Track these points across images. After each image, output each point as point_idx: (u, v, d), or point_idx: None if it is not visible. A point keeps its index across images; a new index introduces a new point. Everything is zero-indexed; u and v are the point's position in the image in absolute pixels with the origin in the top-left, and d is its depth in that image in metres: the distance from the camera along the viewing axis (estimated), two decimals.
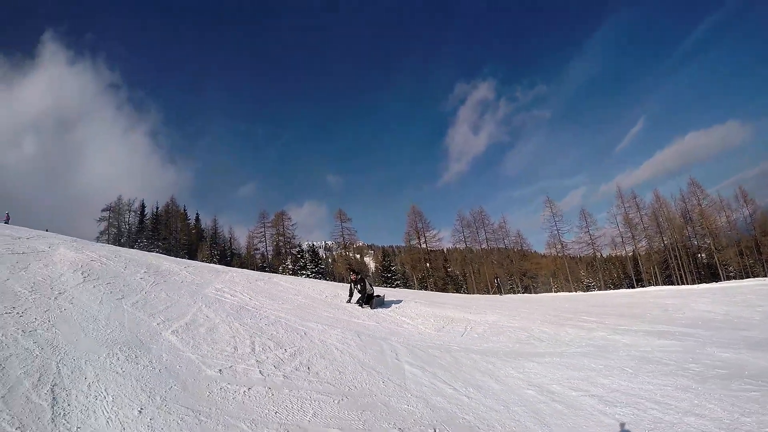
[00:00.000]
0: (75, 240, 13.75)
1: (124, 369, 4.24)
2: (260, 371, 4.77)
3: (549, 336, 8.37)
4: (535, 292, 45.00)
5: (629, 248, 49.07)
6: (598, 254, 49.55)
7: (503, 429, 3.82)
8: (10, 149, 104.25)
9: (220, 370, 4.63)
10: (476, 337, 8.16)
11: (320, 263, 51.10)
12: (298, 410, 3.89)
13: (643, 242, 47.96)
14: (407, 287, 41.31)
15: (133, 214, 47.39)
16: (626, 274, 50.09)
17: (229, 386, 4.24)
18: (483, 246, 52.51)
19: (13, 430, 2.88)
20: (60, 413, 3.22)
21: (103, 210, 46.30)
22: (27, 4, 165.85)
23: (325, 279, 40.16)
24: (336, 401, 4.22)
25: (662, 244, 45.74)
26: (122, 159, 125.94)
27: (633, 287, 38.32)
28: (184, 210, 54.80)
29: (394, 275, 49.38)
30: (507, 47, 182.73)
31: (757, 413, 4.22)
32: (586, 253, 49.90)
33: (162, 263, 12.02)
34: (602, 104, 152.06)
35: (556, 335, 8.48)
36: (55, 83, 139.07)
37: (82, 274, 7.95)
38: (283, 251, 52.18)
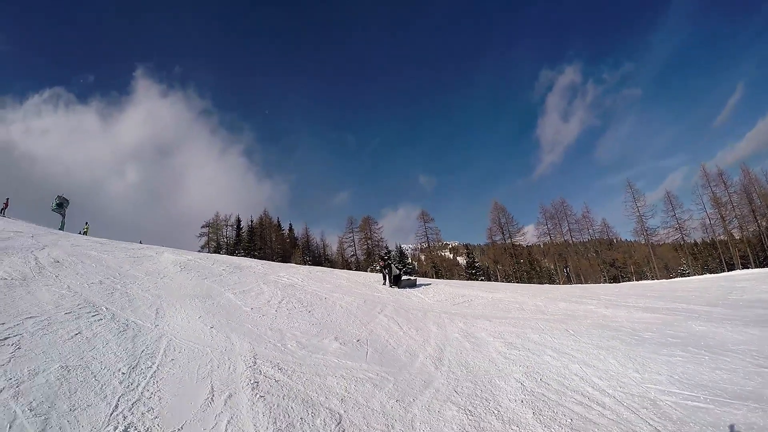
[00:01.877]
0: (176, 250, 18.62)
1: (197, 305, 7.80)
2: (276, 310, 8.12)
3: (534, 307, 10.59)
4: (623, 281, 44.32)
5: (719, 231, 46.22)
6: (688, 239, 47.34)
7: (406, 348, 6.55)
8: (116, 178, 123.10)
9: (251, 308, 8.04)
10: (465, 305, 10.74)
11: (408, 263, 54.92)
12: (286, 325, 7.16)
13: (735, 223, 44.99)
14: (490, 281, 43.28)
15: (230, 228, 55.67)
16: (720, 258, 46.98)
17: (252, 314, 7.64)
18: (566, 238, 52.61)
19: (138, 321, 6.49)
20: (161, 317, 6.79)
21: (202, 226, 55.05)
22: (117, 44, 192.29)
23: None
24: (312, 324, 7.40)
25: (756, 225, 42.62)
26: (220, 178, 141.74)
27: (725, 272, 36.65)
28: (278, 221, 62.25)
29: (478, 271, 51.47)
30: (586, 26, 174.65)
31: (650, 371, 5.41)
32: (674, 238, 47.95)
33: (243, 262, 16.18)
34: (694, 74, 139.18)
35: (542, 307, 10.63)
36: (150, 115, 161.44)
37: (180, 267, 11.97)
38: (374, 254, 56.74)
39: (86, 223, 25.94)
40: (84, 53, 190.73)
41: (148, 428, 3.43)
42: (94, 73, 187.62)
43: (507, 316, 9.38)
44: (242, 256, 44.89)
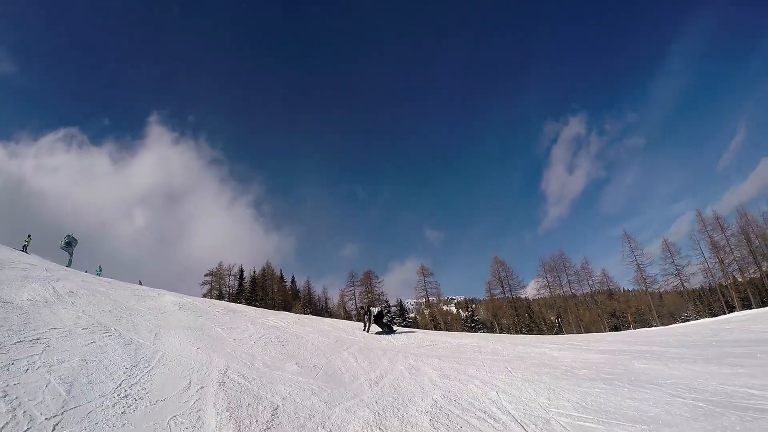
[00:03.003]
0: (177, 293, 20.32)
1: (189, 333, 9.43)
2: (254, 342, 9.72)
3: (491, 350, 12.01)
4: (624, 330, 45.03)
5: (719, 275, 47.18)
6: (688, 285, 48.32)
7: (352, 374, 8.06)
8: (123, 220, 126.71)
9: (234, 339, 9.65)
10: (428, 347, 12.21)
11: (408, 317, 56.05)
12: (259, 353, 8.75)
13: (734, 266, 46.01)
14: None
15: (233, 277, 57.57)
16: (721, 302, 47.73)
17: (234, 343, 9.25)
18: (566, 290, 53.90)
19: (140, 340, 8.13)
20: (158, 339, 8.42)
21: (205, 274, 57.18)
22: (135, 89, 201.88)
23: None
24: (281, 353, 9.00)
25: (757, 266, 43.53)
26: (227, 227, 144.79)
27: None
28: (281, 273, 64.22)
29: (478, 324, 52.48)
30: (588, 78, 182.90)
31: (561, 399, 6.37)
32: (673, 285, 48.98)
33: (238, 307, 17.84)
34: (696, 118, 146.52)
35: (499, 350, 12.05)
36: (162, 161, 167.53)
37: (178, 306, 13.63)
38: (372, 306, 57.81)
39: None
40: (102, 96, 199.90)
41: (141, 397, 5.07)
42: (109, 116, 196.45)
43: (459, 356, 10.79)
44: (243, 305, 46.58)
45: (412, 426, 5.42)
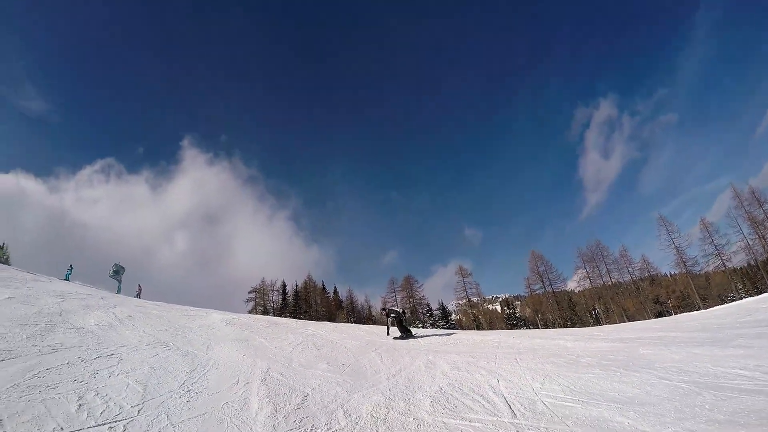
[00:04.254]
0: (224, 311, 22.21)
1: (236, 345, 11.01)
2: (293, 348, 11.22)
3: (508, 345, 13.14)
4: (669, 315, 44.36)
5: (760, 251, 45.72)
6: (729, 264, 47.03)
7: (375, 369, 9.46)
8: (165, 245, 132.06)
9: (275, 347, 11.18)
10: (451, 345, 13.42)
11: (450, 320, 57.02)
12: (296, 356, 10.22)
13: None
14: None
15: (276, 292, 60.11)
16: (764, 279, 46.11)
17: (275, 350, 10.77)
18: (605, 279, 53.48)
19: (195, 352, 9.72)
20: (210, 350, 10.01)
21: (249, 291, 60.01)
22: (165, 115, 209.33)
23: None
24: (316, 356, 10.45)
25: None
26: (268, 244, 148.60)
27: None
28: (323, 285, 66.44)
29: (519, 321, 52.90)
30: (613, 57, 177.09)
31: (553, 384, 7.30)
32: (715, 265, 47.81)
33: (280, 320, 19.48)
34: (728, 89, 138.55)
35: (516, 344, 13.13)
36: (198, 184, 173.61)
37: (225, 322, 15.33)
38: (417, 311, 59.23)
39: (70, 265, 28.40)
40: (134, 125, 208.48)
41: (200, 391, 6.59)
42: (143, 144, 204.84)
43: (476, 351, 11.84)
44: (287, 318, 48.79)
45: (414, 406, 6.69)
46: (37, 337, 8.54)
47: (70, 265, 28.23)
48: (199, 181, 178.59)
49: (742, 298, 40.40)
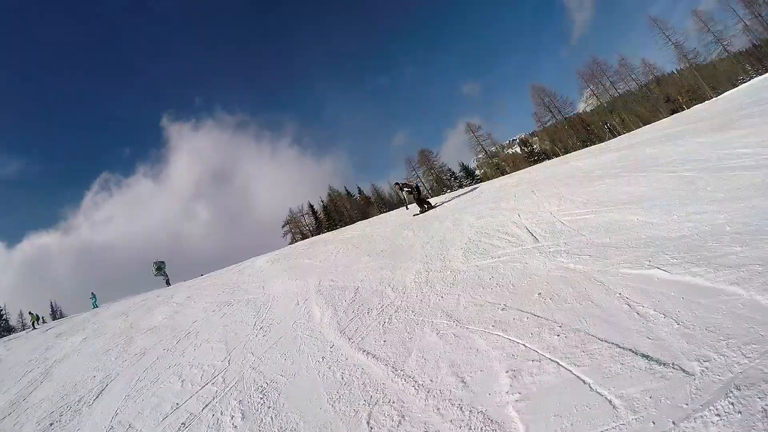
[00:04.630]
0: (268, 253, 23.53)
1: (286, 275, 12.03)
2: (335, 256, 12.16)
3: (526, 180, 13.87)
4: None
5: (759, 29, 44.09)
6: (731, 49, 45.76)
7: (410, 244, 10.41)
8: (189, 222, 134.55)
9: (319, 261, 12.11)
10: (475, 198, 14.22)
11: (476, 176, 58.30)
12: (340, 260, 11.18)
13: None
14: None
15: (307, 216, 61.71)
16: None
17: (319, 264, 11.75)
18: (612, 92, 53.01)
19: (253, 297, 10.78)
20: (267, 288, 11.06)
21: (282, 226, 61.88)
22: (134, 109, 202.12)
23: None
24: (357, 254, 11.37)
25: None
26: (282, 175, 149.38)
27: None
28: (346, 190, 67.69)
29: (539, 156, 53.68)
30: None
31: (568, 204, 7.91)
32: (717, 53, 46.72)
33: (316, 238, 20.69)
34: None
35: (532, 178, 13.90)
36: (194, 153, 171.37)
37: (270, 262, 16.41)
38: (441, 179, 60.53)
39: (92, 293, 28.39)
40: (109, 131, 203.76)
41: (270, 325, 7.58)
42: (126, 144, 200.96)
43: (498, 195, 12.53)
44: (325, 233, 50.91)
45: (449, 261, 7.50)
46: (123, 352, 9.72)
47: (92, 293, 28.55)
48: (194, 149, 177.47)
49: (752, 79, 39.43)
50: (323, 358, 5.25)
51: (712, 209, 5.22)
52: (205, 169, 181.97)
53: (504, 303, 4.81)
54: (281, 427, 4.03)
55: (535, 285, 4.95)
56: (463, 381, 3.63)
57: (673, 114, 45.95)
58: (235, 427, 4.34)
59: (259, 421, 4.27)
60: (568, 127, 55.70)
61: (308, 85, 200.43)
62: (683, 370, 2.70)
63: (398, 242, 10.84)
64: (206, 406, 5.08)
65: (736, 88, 32.20)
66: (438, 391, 3.63)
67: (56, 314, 60.70)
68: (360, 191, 69.20)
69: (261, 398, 4.76)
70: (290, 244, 59.94)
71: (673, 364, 2.81)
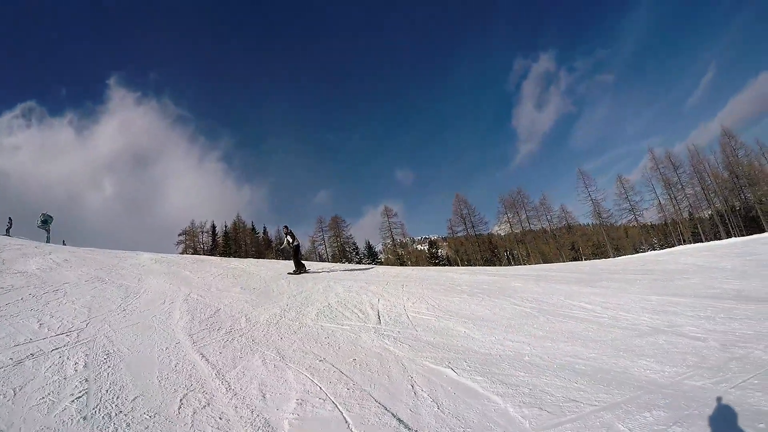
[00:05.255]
0: (153, 252, 23.66)
1: (164, 277, 12.87)
2: (213, 278, 13.30)
3: (405, 274, 15.93)
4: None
5: (671, 211, 52.46)
6: (642, 220, 53.67)
7: (280, 292, 11.92)
8: (93, 191, 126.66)
9: (198, 278, 13.17)
10: (357, 275, 16.05)
11: (377, 256, 60.94)
12: (215, 284, 12.37)
13: (685, 203, 51.18)
14: None
15: (206, 234, 61.12)
16: (677, 237, 52.90)
17: (197, 280, 12.80)
18: (525, 225, 59.12)
19: (128, 284, 11.60)
20: (142, 282, 11.90)
21: (179, 234, 60.85)
22: (89, 53, 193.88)
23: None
24: (232, 283, 12.62)
25: (709, 204, 48.56)
26: (199, 185, 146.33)
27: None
28: (252, 225, 68.13)
29: (441, 260, 57.68)
30: (559, 14, 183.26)
31: (420, 303, 10.57)
32: (626, 220, 54.16)
33: (205, 257, 21.36)
34: (666, 55, 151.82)
35: (411, 274, 16.01)
36: (126, 125, 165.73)
37: (154, 261, 16.99)
38: (345, 249, 62.44)
39: (9, 218, 28.65)
40: (54, 65, 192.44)
41: (134, 310, 8.62)
42: (65, 85, 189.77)
43: (374, 279, 14.35)
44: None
45: (303, 315, 9.07)
46: None
47: (9, 218, 28.11)
48: (127, 121, 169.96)
49: (654, 250, 46.00)
50: (166, 348, 6.49)
51: (524, 340, 7.07)
52: (128, 145, 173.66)
53: (324, 357, 6.41)
54: (113, 382, 5.21)
55: (356, 353, 6.62)
56: (263, 395, 5.06)
57: (574, 261, 51.61)
58: (76, 371, 5.41)
59: (97, 373, 5.40)
60: (475, 243, 60.51)
61: (258, 113, 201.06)
62: None
63: (272, 287, 12.27)
64: (56, 348, 6.05)
65: (630, 255, 37.18)
66: (242, 396, 5.01)
67: None
68: (265, 231, 69.59)
69: (105, 358, 5.87)
70: (180, 254, 58.48)
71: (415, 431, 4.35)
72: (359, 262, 58.39)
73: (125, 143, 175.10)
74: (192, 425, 4.21)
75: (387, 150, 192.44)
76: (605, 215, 56.88)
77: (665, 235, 55.92)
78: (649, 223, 59.23)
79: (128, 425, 4.11)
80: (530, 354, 6.39)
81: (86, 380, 5.08)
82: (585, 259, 51.79)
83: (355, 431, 4.11)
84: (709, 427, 3.84)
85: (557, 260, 54.70)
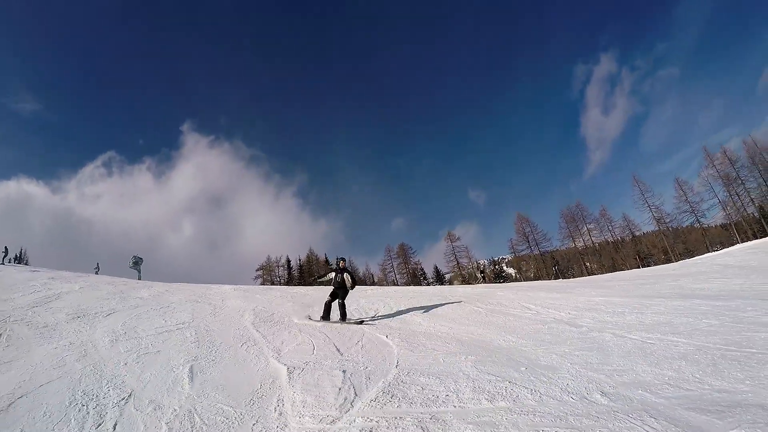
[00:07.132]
0: (233, 285, 29.10)
1: (241, 299, 17.79)
2: (274, 298, 18.05)
3: (419, 291, 19.88)
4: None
5: (732, 209, 51.28)
6: (704, 221, 52.86)
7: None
8: (173, 231, 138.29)
9: (264, 298, 18.00)
10: (380, 293, 20.26)
11: (443, 280, 64.76)
12: (275, 302, 17.10)
13: (747, 198, 49.57)
14: None
15: (281, 268, 67.61)
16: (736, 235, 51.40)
17: (263, 300, 17.61)
18: (586, 239, 60.41)
19: (215, 303, 16.54)
20: (224, 302, 16.83)
21: (257, 269, 67.77)
22: (162, 103, 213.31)
23: None
24: (288, 302, 17.30)
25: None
26: (276, 221, 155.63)
27: None
28: (325, 257, 73.81)
29: (505, 279, 60.38)
30: (612, 12, 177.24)
31: (415, 308, 15.59)
32: (689, 222, 53.55)
33: (276, 287, 26.45)
34: (729, 40, 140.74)
35: (427, 291, 19.93)
36: (201, 168, 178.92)
37: (234, 289, 22.12)
38: (415, 275, 66.74)
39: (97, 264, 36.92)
40: (131, 116, 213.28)
41: (220, 315, 13.44)
42: (142, 134, 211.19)
43: (397, 297, 18.63)
44: None
45: (315, 313, 13.45)
46: (122, 301, 15.42)
47: (5, 247, 35.84)
48: (202, 164, 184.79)
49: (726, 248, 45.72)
50: (238, 329, 11.18)
51: (452, 326, 11.26)
52: (205, 187, 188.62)
53: (323, 331, 10.76)
54: (212, 342, 9.81)
55: (340, 329, 10.94)
56: (282, 343, 9.45)
57: (639, 268, 52.17)
58: (188, 339, 10.11)
59: (201, 337, 10.10)
60: (540, 259, 62.57)
61: (328, 146, 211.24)
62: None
63: (315, 301, 16.77)
64: (178, 329, 10.90)
65: (690, 258, 37.51)
66: (272, 344, 9.44)
67: (23, 261, 63.05)
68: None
69: (206, 333, 10.60)
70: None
71: (345, 356, 8.73)
72: (429, 284, 62.74)
73: (202, 185, 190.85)
74: (246, 352, 8.76)
75: (457, 171, 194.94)
76: (668, 219, 56.59)
77: (729, 235, 54.64)
78: (713, 225, 57.98)
79: (216, 350, 8.78)
80: (444, 332, 10.39)
81: (197, 339, 9.82)
82: (651, 266, 52.15)
83: (317, 352, 8.69)
84: (495, 364, 7.85)
85: (623, 269, 55.05)
